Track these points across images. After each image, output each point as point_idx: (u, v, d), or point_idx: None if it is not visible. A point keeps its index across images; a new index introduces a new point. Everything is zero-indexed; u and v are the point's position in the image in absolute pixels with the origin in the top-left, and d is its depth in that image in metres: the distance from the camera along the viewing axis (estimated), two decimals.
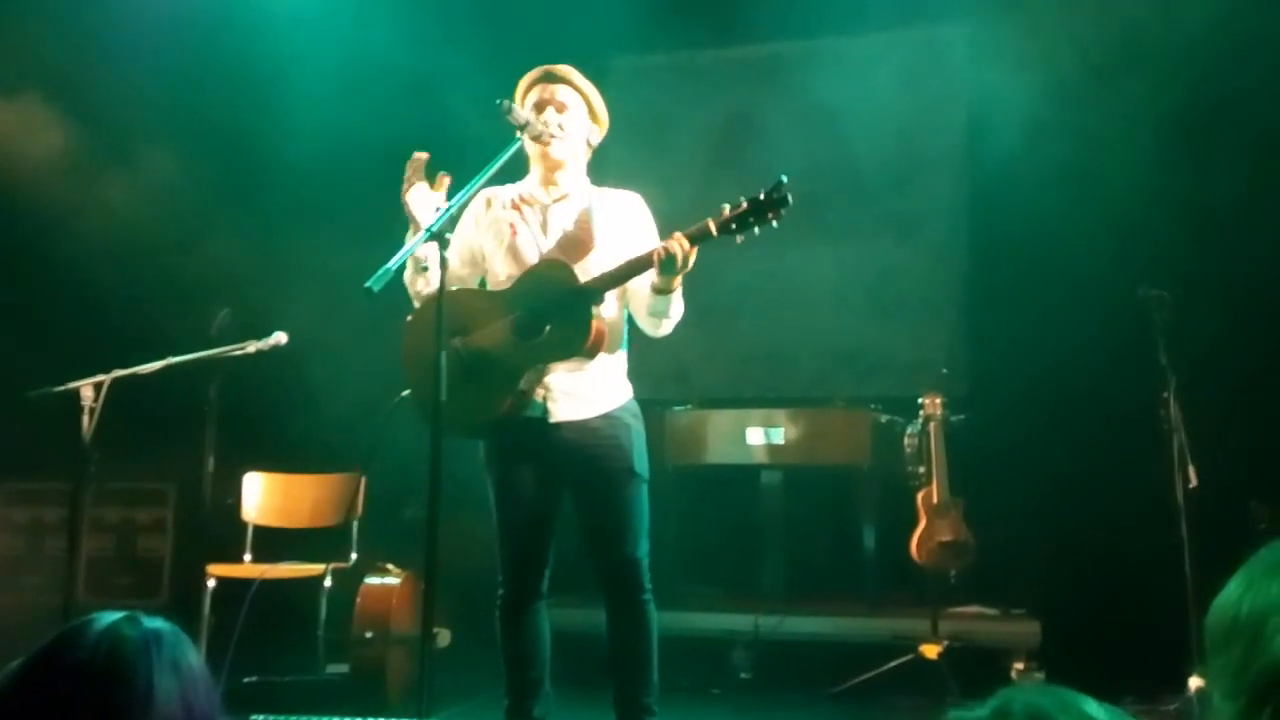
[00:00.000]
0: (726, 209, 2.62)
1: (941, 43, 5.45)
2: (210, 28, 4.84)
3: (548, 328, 2.73)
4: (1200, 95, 4.44)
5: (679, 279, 2.68)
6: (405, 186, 2.72)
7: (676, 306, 2.78)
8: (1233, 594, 1.15)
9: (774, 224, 2.60)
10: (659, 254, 2.62)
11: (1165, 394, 3.79)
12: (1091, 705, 0.94)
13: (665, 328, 2.83)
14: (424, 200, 2.69)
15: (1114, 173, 4.47)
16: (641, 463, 2.84)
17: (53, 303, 4.60)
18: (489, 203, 2.91)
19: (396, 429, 4.53)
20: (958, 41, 5.43)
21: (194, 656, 1.11)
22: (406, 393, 2.89)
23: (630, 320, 2.92)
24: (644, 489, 2.84)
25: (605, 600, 2.85)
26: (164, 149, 4.65)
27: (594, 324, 2.69)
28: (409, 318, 2.91)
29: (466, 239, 2.91)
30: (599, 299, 2.72)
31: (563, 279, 2.74)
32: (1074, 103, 4.71)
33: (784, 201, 2.59)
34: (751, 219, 2.60)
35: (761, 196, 2.60)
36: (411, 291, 2.85)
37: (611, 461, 2.79)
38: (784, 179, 2.59)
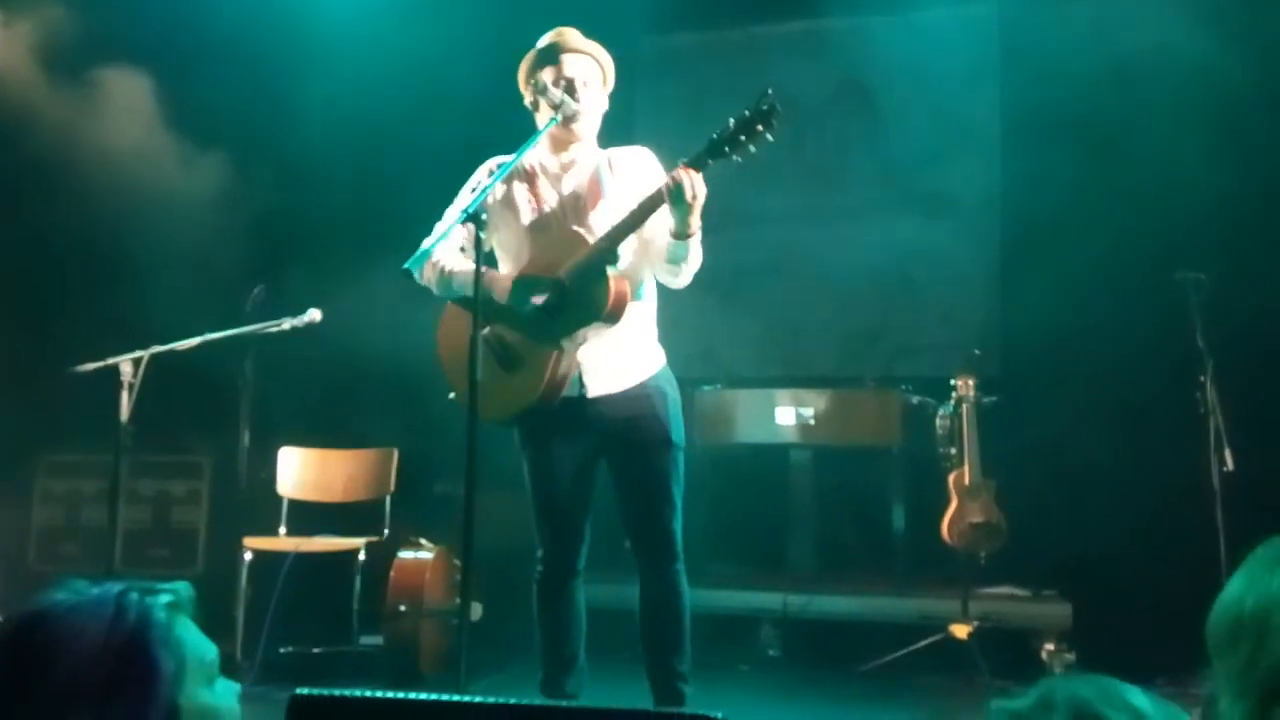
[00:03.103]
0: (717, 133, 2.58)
1: (975, 19, 5.39)
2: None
3: (569, 298, 2.72)
4: (1239, 74, 4.37)
5: (696, 217, 2.62)
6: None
7: (695, 253, 2.72)
8: (1234, 592, 1.13)
9: (769, 137, 2.55)
10: (667, 186, 2.58)
11: (1202, 377, 3.76)
12: (1136, 695, 0.93)
13: (683, 276, 2.77)
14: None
15: (1151, 152, 4.41)
16: (678, 431, 2.84)
17: (93, 280, 4.65)
18: (491, 174, 2.83)
19: (428, 407, 4.58)
20: (991, 18, 5.37)
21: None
22: (453, 395, 2.88)
23: (658, 288, 2.90)
24: (680, 457, 2.84)
25: (639, 569, 2.87)
26: (211, 133, 4.68)
27: (612, 283, 2.67)
28: (442, 317, 2.93)
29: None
30: (613, 257, 2.69)
31: (575, 245, 2.73)
32: (1110, 81, 4.65)
33: (772, 112, 2.53)
34: (743, 136, 2.55)
35: (748, 112, 2.55)
36: (432, 279, 2.84)
37: (648, 431, 2.79)
38: (769, 90, 2.55)
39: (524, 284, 2.78)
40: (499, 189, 2.87)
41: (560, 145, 2.88)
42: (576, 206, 2.83)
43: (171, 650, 1.05)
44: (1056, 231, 4.72)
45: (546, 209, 2.85)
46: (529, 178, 2.89)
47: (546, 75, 2.84)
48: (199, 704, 1.07)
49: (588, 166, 2.86)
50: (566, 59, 2.85)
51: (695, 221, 2.63)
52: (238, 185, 4.71)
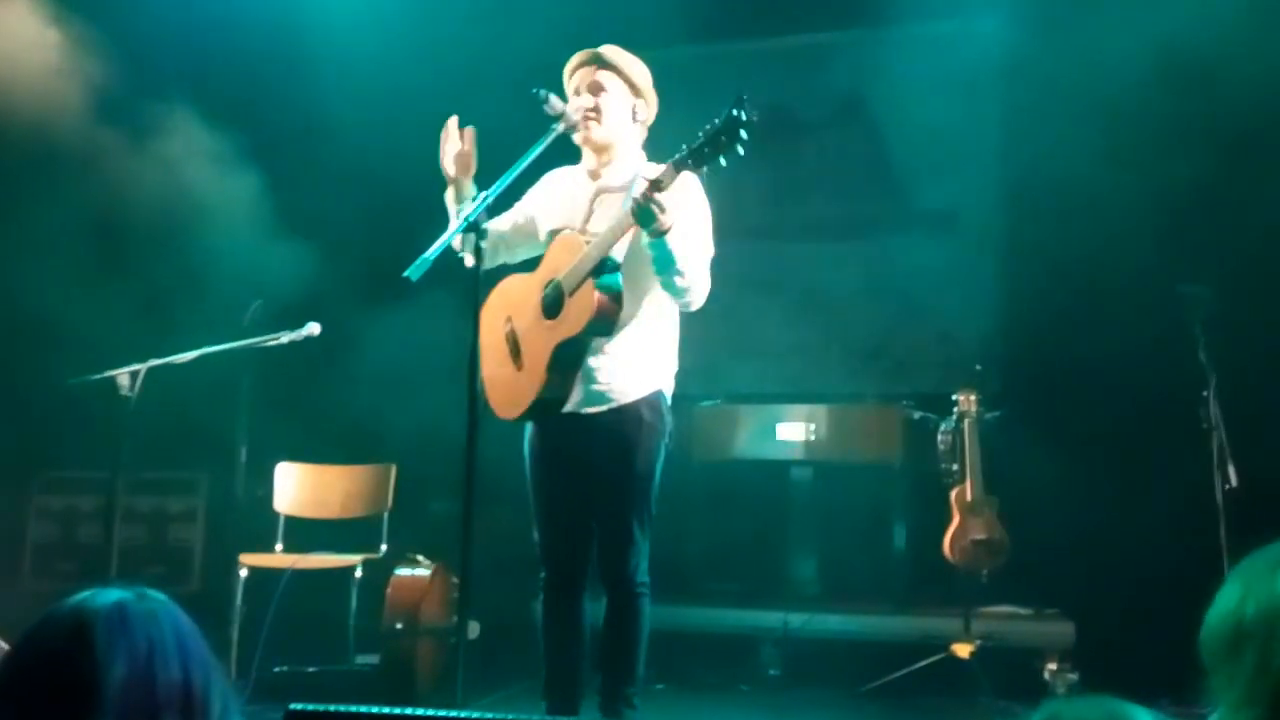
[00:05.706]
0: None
1: (977, 35, 5.37)
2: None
3: (565, 303, 2.73)
4: (1242, 89, 4.36)
5: (666, 216, 2.54)
6: (442, 154, 2.83)
7: (684, 263, 2.63)
8: (1231, 600, 1.11)
9: (740, 151, 2.44)
10: (631, 207, 2.57)
11: (1205, 392, 3.73)
12: (1143, 716, 0.91)
13: (682, 289, 2.68)
14: (453, 157, 2.82)
15: (1154, 167, 4.39)
16: (646, 462, 2.79)
17: (94, 292, 4.63)
18: (554, 182, 2.98)
19: (426, 423, 4.56)
20: (994, 34, 5.35)
21: (167, 628, 1.05)
22: None
23: (673, 311, 2.88)
24: (646, 488, 2.80)
25: (604, 591, 2.87)
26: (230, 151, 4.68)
27: (594, 295, 2.66)
28: (484, 304, 2.92)
29: (529, 209, 2.99)
30: (605, 266, 2.67)
31: (576, 250, 2.74)
32: (1111, 96, 4.63)
33: (739, 122, 2.42)
34: (708, 149, 2.47)
35: (719, 121, 2.46)
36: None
37: (615, 459, 2.77)
38: (744, 96, 2.44)
39: (539, 279, 2.85)
40: (550, 190, 2.97)
41: (595, 158, 2.91)
42: (600, 214, 2.84)
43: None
44: (1057, 247, 4.70)
45: (571, 214, 2.88)
46: (572, 184, 2.94)
47: (571, 85, 2.91)
48: None
49: (623, 176, 2.86)
50: (587, 70, 2.89)
51: (666, 219, 2.56)
52: (244, 203, 4.71)
